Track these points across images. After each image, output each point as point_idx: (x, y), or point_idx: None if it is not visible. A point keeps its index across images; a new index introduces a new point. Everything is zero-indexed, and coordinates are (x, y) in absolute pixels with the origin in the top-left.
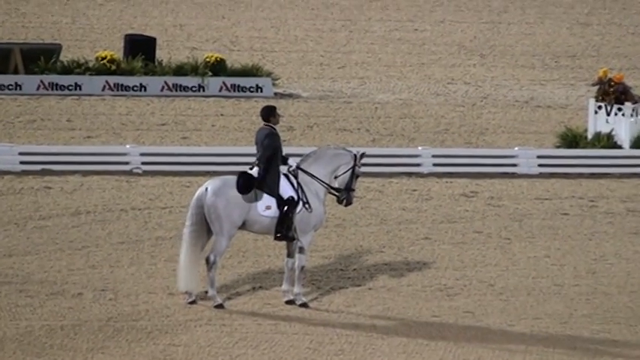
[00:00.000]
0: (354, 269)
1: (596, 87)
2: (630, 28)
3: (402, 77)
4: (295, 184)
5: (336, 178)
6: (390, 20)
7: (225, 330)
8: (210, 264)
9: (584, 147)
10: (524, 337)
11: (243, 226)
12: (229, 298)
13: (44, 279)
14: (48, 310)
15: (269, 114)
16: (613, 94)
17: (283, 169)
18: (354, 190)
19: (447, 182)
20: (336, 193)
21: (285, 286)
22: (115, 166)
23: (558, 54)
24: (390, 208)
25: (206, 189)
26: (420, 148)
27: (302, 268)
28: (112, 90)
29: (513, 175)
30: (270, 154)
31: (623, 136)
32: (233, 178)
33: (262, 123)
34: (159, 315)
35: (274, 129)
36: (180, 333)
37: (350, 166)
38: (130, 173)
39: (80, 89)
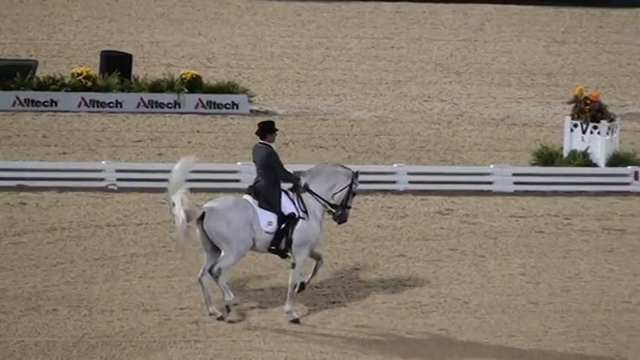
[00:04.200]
0: (329, 286)
1: (572, 105)
2: (606, 46)
3: (378, 94)
4: (296, 200)
5: (333, 195)
6: (367, 37)
7: (199, 347)
8: (214, 275)
9: (559, 165)
10: (498, 354)
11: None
12: (204, 315)
13: (19, 295)
14: (22, 326)
15: (267, 131)
16: (589, 112)
17: (285, 185)
18: (349, 207)
19: (422, 200)
20: (333, 210)
21: (287, 307)
22: (90, 183)
23: (534, 72)
24: (365, 225)
25: (204, 212)
26: (395, 165)
27: (295, 285)
28: (88, 106)
29: (489, 193)
30: (274, 173)
31: (599, 154)
32: (230, 199)
33: (258, 140)
34: (133, 332)
35: (271, 147)
36: (155, 350)
37: (347, 183)
38: (105, 189)
39: (56, 105)
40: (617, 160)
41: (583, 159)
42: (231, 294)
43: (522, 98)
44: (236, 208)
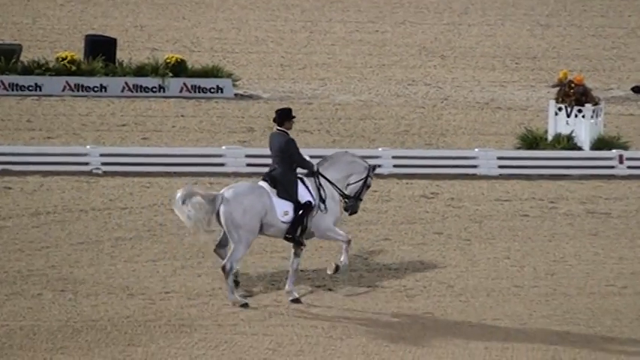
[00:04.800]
0: (314, 270)
1: (557, 88)
2: (590, 29)
3: (363, 78)
4: (311, 187)
5: (348, 185)
6: (351, 21)
7: (184, 330)
8: (227, 271)
9: (544, 148)
10: (483, 337)
11: (260, 229)
12: (189, 299)
13: (3, 279)
14: (7, 311)
15: (284, 118)
16: (573, 95)
17: (301, 172)
18: (361, 199)
19: (407, 183)
20: (345, 200)
21: (288, 287)
22: (75, 167)
23: (519, 55)
24: None
25: (222, 197)
26: (380, 149)
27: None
28: (73, 90)
29: (473, 177)
30: (292, 160)
31: (583, 138)
32: (247, 185)
33: (275, 127)
34: (118, 315)
35: (288, 134)
36: (140, 333)
37: (363, 176)
38: (89, 174)
39: (40, 90)
40: (601, 143)
41: (568, 142)
42: (235, 296)
43: (507, 82)
44: (252, 194)
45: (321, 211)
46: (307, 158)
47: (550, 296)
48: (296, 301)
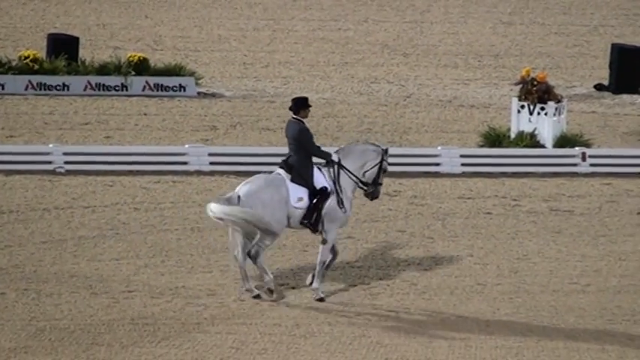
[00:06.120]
0: (277, 268)
1: (519, 86)
2: (553, 27)
3: (325, 76)
4: (328, 177)
5: (364, 173)
6: (314, 19)
7: (147, 329)
8: (251, 256)
9: (507, 146)
10: (446, 335)
11: None
12: (152, 297)
13: None
14: None
15: (300, 106)
16: (536, 93)
17: (319, 161)
18: (381, 184)
19: None
20: (364, 187)
21: (315, 284)
22: (37, 166)
23: (481, 53)
24: None
25: (237, 196)
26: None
27: (323, 263)
28: (35, 89)
29: (436, 175)
30: (308, 147)
31: (546, 136)
32: (262, 179)
33: (291, 115)
34: (82, 314)
35: (303, 122)
36: (103, 332)
37: (377, 161)
38: (52, 172)
39: (3, 88)
40: (564, 141)
41: (530, 140)
42: (270, 275)
43: (469, 80)
44: (269, 187)
45: (338, 204)
46: (322, 148)
47: (513, 294)
48: (321, 300)
